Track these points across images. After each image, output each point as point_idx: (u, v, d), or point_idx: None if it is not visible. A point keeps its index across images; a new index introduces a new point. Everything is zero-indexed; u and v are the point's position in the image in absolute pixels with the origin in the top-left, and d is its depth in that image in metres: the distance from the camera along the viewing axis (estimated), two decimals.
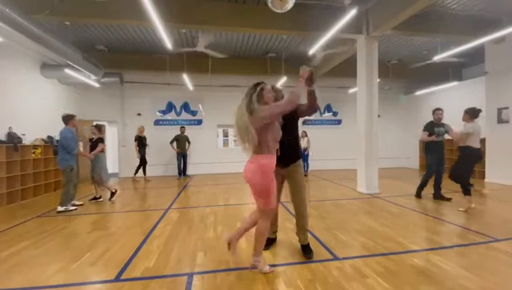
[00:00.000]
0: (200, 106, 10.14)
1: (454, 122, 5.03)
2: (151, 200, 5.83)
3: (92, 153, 5.37)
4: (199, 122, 10.18)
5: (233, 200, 5.54)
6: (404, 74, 9.83)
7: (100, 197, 5.53)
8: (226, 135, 10.95)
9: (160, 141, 9.32)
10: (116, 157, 9.91)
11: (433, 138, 4.99)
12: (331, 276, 2.35)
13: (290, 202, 2.85)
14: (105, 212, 4.78)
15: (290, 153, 2.70)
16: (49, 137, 6.63)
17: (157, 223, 3.97)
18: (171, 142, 8.83)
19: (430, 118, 5.25)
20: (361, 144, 6.08)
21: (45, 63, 6.82)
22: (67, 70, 6.71)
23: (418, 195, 5.35)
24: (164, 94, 9.72)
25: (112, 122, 9.87)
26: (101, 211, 4.88)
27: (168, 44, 5.87)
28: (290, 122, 2.65)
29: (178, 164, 8.94)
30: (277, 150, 2.35)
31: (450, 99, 9.22)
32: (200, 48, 6.79)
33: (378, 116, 6.21)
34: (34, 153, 6.07)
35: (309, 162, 9.13)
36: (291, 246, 3.01)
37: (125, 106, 9.59)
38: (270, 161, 2.27)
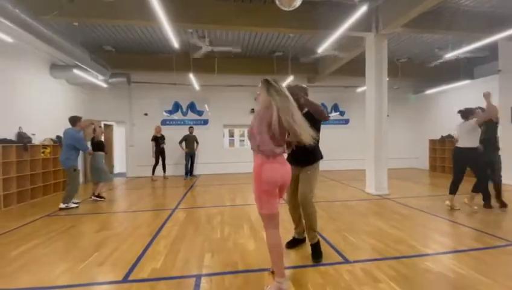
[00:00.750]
0: (206, 105, 10.13)
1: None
2: (158, 200, 5.84)
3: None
4: (205, 122, 10.17)
5: (239, 200, 5.51)
6: (414, 72, 9.63)
7: (103, 197, 5.58)
8: (231, 135, 10.91)
9: (167, 140, 9.36)
10: (124, 157, 9.99)
11: None
12: (343, 280, 2.28)
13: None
14: (112, 212, 4.80)
15: (306, 155, 2.62)
16: (58, 137, 6.70)
17: (164, 223, 3.96)
18: (180, 142, 8.85)
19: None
20: (370, 144, 5.97)
21: (54, 63, 6.89)
22: (76, 71, 6.78)
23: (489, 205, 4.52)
24: (171, 94, 9.74)
25: (119, 122, 9.95)
26: (108, 210, 4.90)
27: (175, 44, 5.87)
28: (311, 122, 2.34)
29: (186, 164, 8.97)
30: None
31: (461, 99, 8.99)
32: (208, 48, 6.80)
33: (387, 115, 6.09)
34: (43, 152, 6.13)
35: None
36: (301, 248, 2.95)
37: (132, 106, 9.64)
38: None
